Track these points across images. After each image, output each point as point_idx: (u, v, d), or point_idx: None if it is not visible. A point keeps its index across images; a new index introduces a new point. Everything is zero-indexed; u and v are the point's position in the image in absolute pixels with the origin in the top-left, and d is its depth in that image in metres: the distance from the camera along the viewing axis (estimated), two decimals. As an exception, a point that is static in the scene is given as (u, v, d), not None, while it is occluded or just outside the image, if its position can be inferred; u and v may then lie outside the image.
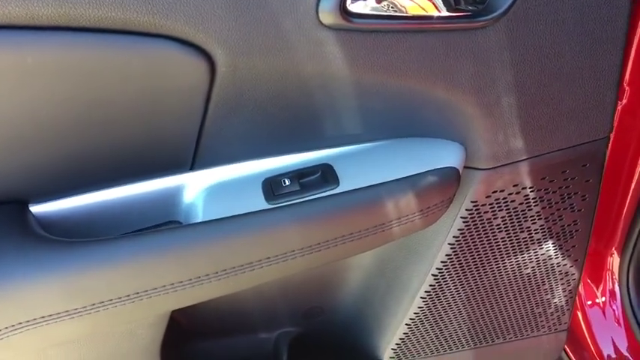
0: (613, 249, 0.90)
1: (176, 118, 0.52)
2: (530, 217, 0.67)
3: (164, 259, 0.50)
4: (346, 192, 0.53)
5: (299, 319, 0.85)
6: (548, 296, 0.80)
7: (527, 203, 0.65)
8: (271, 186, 0.55)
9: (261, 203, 0.53)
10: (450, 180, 0.56)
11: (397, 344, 0.78)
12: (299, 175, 0.55)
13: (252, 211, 0.51)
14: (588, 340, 0.95)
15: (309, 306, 0.83)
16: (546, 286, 0.78)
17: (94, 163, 0.54)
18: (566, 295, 0.81)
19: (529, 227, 0.68)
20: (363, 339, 0.83)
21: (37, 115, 0.46)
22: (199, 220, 0.55)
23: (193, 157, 0.56)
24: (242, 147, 0.56)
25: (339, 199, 0.52)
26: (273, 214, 0.51)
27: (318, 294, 0.82)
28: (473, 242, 0.67)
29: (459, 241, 0.66)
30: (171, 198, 0.58)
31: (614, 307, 0.97)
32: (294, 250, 0.52)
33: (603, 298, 0.97)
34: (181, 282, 0.51)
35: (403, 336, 0.77)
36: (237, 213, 0.52)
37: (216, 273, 0.51)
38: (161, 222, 0.60)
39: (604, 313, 0.99)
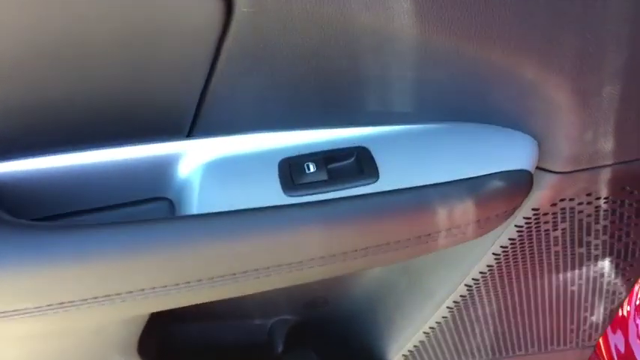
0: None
1: (175, 68, 0.39)
2: (595, 230, 0.55)
3: (151, 258, 0.38)
4: (388, 192, 0.40)
5: (299, 309, 0.75)
6: (587, 313, 0.70)
7: (596, 215, 0.53)
8: (291, 170, 0.42)
9: (276, 194, 0.41)
10: (519, 187, 0.44)
11: (410, 351, 0.69)
12: (327, 158, 0.43)
13: (265, 207, 0.39)
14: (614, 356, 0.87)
15: (313, 296, 0.73)
16: (588, 303, 0.68)
17: (66, 115, 0.41)
18: (606, 314, 0.71)
19: (590, 242, 0.57)
20: (369, 339, 0.74)
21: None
22: (194, 202, 0.43)
23: (193, 120, 0.43)
24: (257, 114, 0.43)
25: (379, 200, 0.40)
26: (294, 212, 0.39)
27: (324, 283, 0.72)
28: (522, 254, 0.55)
29: (507, 252, 0.55)
30: (161, 169, 0.46)
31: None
32: (313, 259, 0.41)
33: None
34: (167, 286, 0.39)
35: (419, 344, 0.68)
36: (244, 205, 0.40)
37: (212, 279, 0.40)
38: (146, 197, 0.48)
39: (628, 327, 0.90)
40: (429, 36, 0.37)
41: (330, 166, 0.43)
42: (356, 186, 0.41)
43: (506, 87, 0.41)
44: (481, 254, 0.55)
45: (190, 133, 0.45)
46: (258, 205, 0.40)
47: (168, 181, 0.46)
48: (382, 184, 0.41)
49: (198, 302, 0.43)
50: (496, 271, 0.57)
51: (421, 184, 0.41)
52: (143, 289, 0.39)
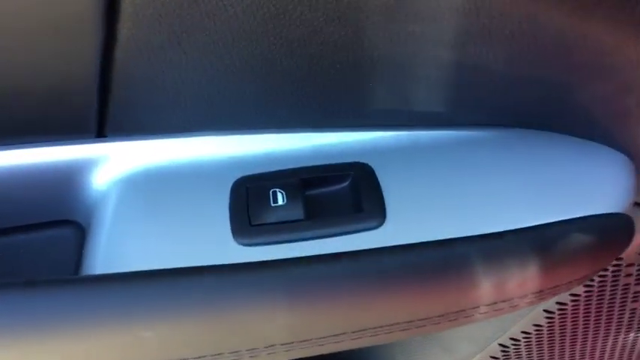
0: None
1: (52, 34, 0.23)
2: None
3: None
4: (401, 249, 0.24)
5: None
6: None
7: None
8: (248, 200, 0.26)
9: (221, 238, 0.26)
10: (612, 242, 0.27)
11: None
12: (306, 182, 0.27)
13: (197, 268, 0.24)
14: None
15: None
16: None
17: None
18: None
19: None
20: None
21: None
22: (106, 232, 0.29)
23: (99, 113, 0.28)
24: (198, 107, 0.28)
25: (385, 263, 0.24)
26: (244, 277, 0.23)
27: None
28: (586, 313, 0.40)
29: (565, 310, 0.39)
30: (64, 180, 0.31)
31: None
32: (273, 345, 0.25)
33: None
34: None
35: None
36: (173, 248, 0.25)
37: None
38: (46, 220, 0.33)
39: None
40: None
41: (309, 194, 0.27)
42: (348, 232, 0.25)
43: (596, 77, 0.25)
44: (527, 310, 0.39)
45: (101, 132, 0.29)
46: (194, 250, 0.25)
47: (75, 197, 0.31)
48: (391, 230, 0.26)
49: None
50: (546, 333, 0.41)
51: (455, 233, 0.25)
52: None
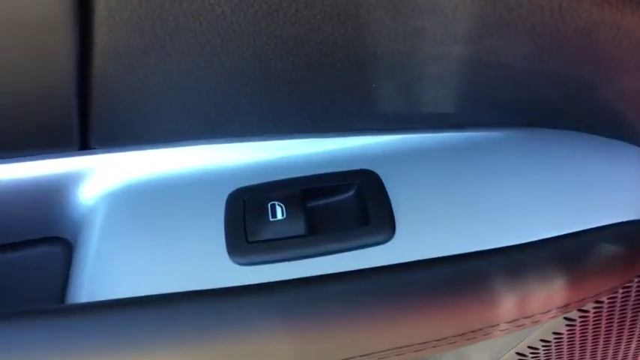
0: None
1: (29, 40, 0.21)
2: None
3: None
4: (413, 266, 0.22)
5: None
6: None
7: None
8: (245, 215, 0.24)
9: (216, 256, 0.23)
10: (636, 253, 0.25)
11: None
12: (306, 194, 0.25)
13: (193, 292, 0.22)
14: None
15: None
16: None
17: None
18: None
19: None
20: None
21: None
22: (94, 250, 0.27)
23: (82, 124, 0.26)
24: (185, 113, 0.25)
25: (395, 281, 0.22)
26: (239, 302, 0.21)
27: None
28: (608, 321, 0.37)
29: (587, 318, 0.37)
30: (50, 196, 0.29)
31: None
32: None
33: None
34: None
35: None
36: (165, 266, 0.23)
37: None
38: (34, 237, 0.32)
39: None
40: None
41: (311, 206, 0.25)
42: (354, 247, 0.23)
43: (631, 71, 0.23)
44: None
45: (87, 144, 0.27)
46: (186, 270, 0.23)
47: (62, 213, 0.29)
48: (401, 244, 0.23)
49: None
50: (566, 341, 0.39)
51: (472, 245, 0.23)
52: None
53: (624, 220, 0.25)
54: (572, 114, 0.26)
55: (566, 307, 0.25)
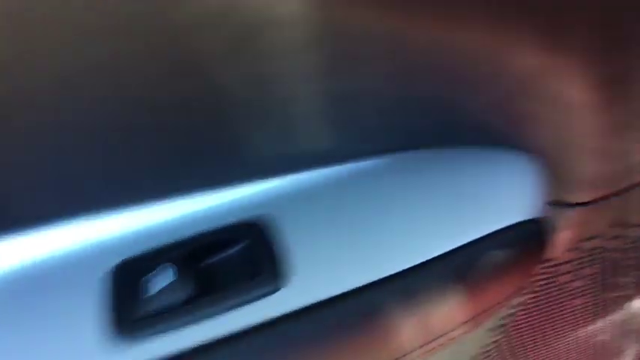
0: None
1: None
2: (626, 267, 0.39)
3: None
4: (304, 314, 0.21)
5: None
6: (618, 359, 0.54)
7: (624, 250, 0.37)
8: (128, 290, 0.23)
9: (102, 339, 0.22)
10: (530, 251, 0.26)
11: None
12: (194, 254, 0.24)
13: None
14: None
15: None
16: (618, 348, 0.52)
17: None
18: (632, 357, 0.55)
19: (617, 282, 0.40)
20: None
21: None
22: None
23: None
24: (43, 190, 0.24)
25: (274, 333, 0.21)
26: None
27: None
28: (528, 322, 0.38)
29: (517, 321, 0.37)
30: None
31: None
32: None
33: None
34: None
35: None
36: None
37: None
38: None
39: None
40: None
41: (201, 266, 0.24)
42: (244, 302, 0.22)
43: (487, 85, 0.24)
44: (476, 334, 0.37)
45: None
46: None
47: None
48: (291, 291, 0.23)
49: None
50: (504, 346, 0.39)
51: (369, 278, 0.23)
52: None
53: (512, 222, 0.26)
54: (444, 132, 0.27)
55: (474, 319, 0.25)
